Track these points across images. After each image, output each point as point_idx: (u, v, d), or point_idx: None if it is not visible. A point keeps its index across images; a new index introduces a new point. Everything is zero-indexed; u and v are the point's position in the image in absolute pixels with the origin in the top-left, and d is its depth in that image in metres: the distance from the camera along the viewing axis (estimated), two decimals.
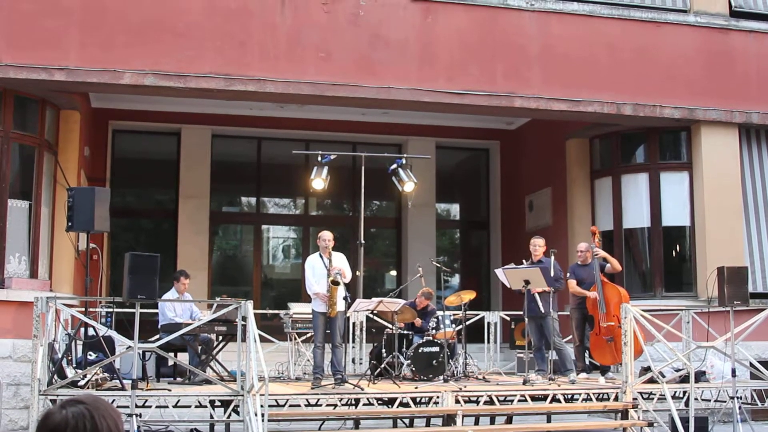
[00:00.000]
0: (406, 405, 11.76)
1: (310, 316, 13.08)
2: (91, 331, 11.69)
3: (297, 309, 14.75)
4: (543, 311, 13.63)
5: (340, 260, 12.86)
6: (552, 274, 13.48)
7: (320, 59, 14.64)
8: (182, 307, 13.59)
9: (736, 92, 16.49)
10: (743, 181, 16.47)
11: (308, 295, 12.95)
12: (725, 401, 12.97)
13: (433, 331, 14.25)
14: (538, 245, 13.98)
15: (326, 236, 12.93)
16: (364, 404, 11.68)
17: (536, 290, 13.45)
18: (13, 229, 14.04)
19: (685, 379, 12.69)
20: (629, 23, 16.20)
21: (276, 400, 11.39)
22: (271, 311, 18.02)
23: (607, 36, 16.08)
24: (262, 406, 10.38)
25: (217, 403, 11.17)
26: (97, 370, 11.05)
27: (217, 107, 18.51)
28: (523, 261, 13.92)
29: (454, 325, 14.53)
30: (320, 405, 11.81)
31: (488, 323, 16.65)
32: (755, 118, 16.43)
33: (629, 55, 16.12)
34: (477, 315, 16.47)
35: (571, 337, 14.75)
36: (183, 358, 13.05)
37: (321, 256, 12.86)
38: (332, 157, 14.79)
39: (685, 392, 12.77)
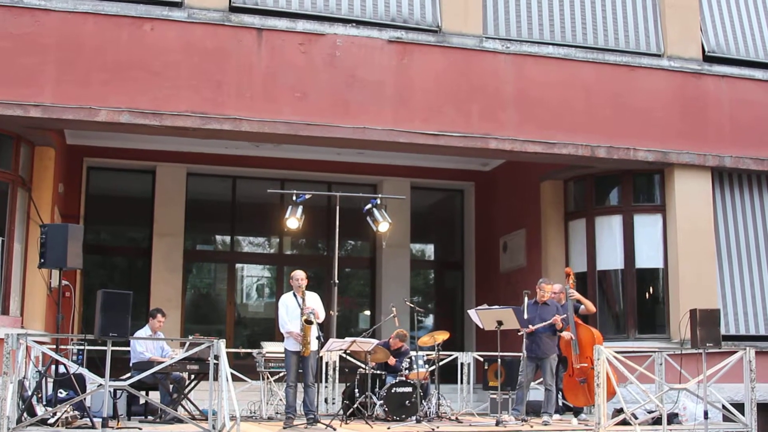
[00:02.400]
0: None
1: (283, 355, 13.03)
2: (62, 369, 11.61)
3: (270, 348, 14.70)
4: (549, 352, 13.69)
5: (313, 300, 12.83)
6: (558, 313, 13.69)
7: (296, 99, 14.68)
8: (153, 343, 13.52)
9: (709, 136, 16.63)
10: (716, 224, 16.59)
11: (281, 334, 12.90)
12: None
13: (406, 371, 14.21)
14: (546, 290, 14.01)
15: (299, 275, 12.89)
16: None
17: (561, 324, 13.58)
18: None
19: (657, 421, 12.68)
20: (604, 67, 16.34)
21: None
22: (244, 350, 17.95)
23: (581, 79, 16.21)
24: None
25: None
26: (67, 407, 10.97)
27: (192, 145, 18.50)
28: (525, 298, 13.88)
29: (427, 366, 14.50)
30: None
31: (461, 364, 16.63)
32: (728, 161, 16.57)
33: (603, 98, 16.25)
34: (450, 355, 16.44)
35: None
36: (154, 396, 12.97)
37: (295, 295, 12.83)
38: (307, 196, 14.80)
39: None
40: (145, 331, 13.72)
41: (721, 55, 17.11)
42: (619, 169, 16.91)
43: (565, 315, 13.81)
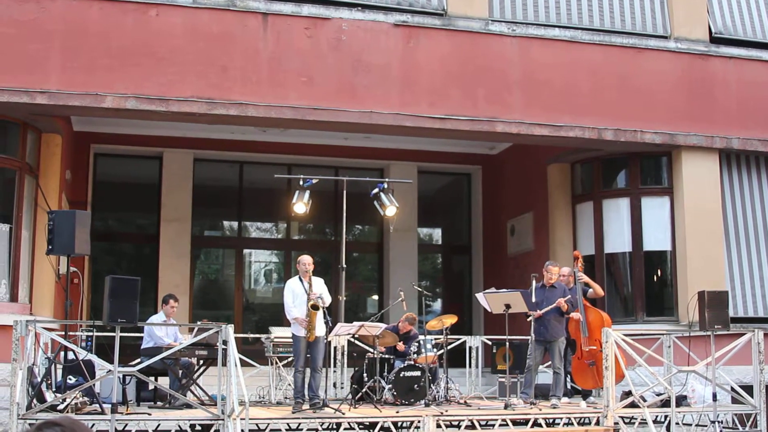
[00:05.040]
0: (388, 429, 11.72)
1: (291, 340, 13.04)
2: (71, 355, 11.63)
3: (278, 333, 14.71)
4: (557, 335, 13.68)
5: (319, 285, 12.83)
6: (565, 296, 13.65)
7: (302, 84, 14.66)
8: (166, 330, 13.55)
9: (716, 118, 16.58)
10: (724, 206, 16.55)
11: (289, 319, 12.91)
12: (706, 425, 12.99)
13: (415, 355, 14.20)
14: (553, 273, 13.97)
15: (306, 260, 12.89)
16: (345, 428, 11.64)
17: (567, 307, 13.58)
18: None
19: (666, 404, 12.70)
20: (610, 49, 16.29)
21: (257, 425, 11.37)
22: (252, 335, 17.96)
23: (588, 61, 16.16)
24: (242, 430, 10.34)
25: (198, 428, 11.14)
26: (76, 394, 10.98)
27: (199, 131, 18.51)
28: (533, 281, 13.86)
29: (435, 350, 14.50)
30: (301, 429, 11.79)
31: (470, 348, 16.62)
32: (735, 143, 16.53)
33: (610, 81, 16.20)
34: (458, 339, 16.42)
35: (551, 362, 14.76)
36: (163, 382, 12.99)
37: (301, 280, 12.83)
38: (314, 181, 14.76)
39: (666, 416, 12.78)
40: (159, 317, 13.75)
41: (728, 36, 17.04)
42: (627, 152, 16.88)
43: (569, 297, 13.78)
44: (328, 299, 12.87)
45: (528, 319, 13.73)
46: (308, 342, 12.53)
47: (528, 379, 13.88)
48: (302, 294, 12.65)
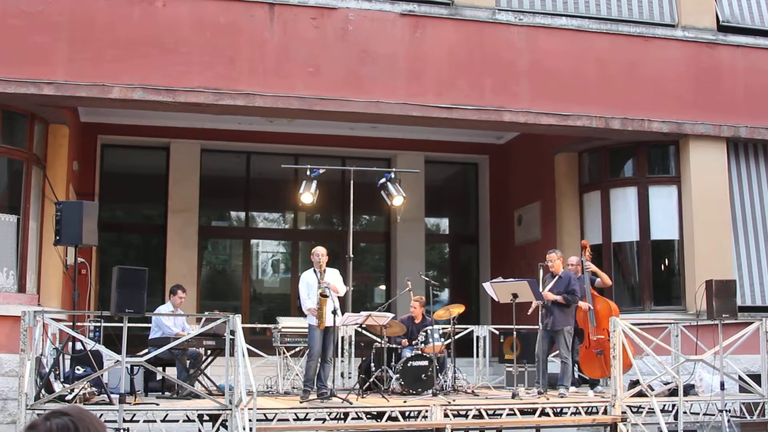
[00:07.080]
0: (395, 419, 11.74)
1: (298, 330, 13.08)
2: (78, 346, 11.65)
3: (286, 323, 14.72)
4: (560, 324, 13.67)
5: (333, 275, 12.84)
6: (570, 287, 13.61)
7: (309, 74, 14.64)
8: (174, 320, 13.58)
9: (724, 106, 16.53)
10: (731, 195, 16.52)
11: (297, 309, 12.92)
12: (714, 414, 12.99)
13: (422, 344, 14.21)
14: (553, 260, 13.94)
15: (319, 252, 12.89)
16: (352, 418, 11.66)
17: (551, 298, 13.53)
18: (1, 244, 14.00)
19: (674, 393, 12.69)
20: (617, 38, 16.25)
21: (264, 414, 11.38)
22: (259, 325, 17.99)
23: (595, 50, 16.12)
24: (250, 420, 10.37)
25: (206, 418, 11.14)
26: (84, 384, 11.00)
27: (206, 122, 18.51)
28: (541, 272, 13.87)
29: (443, 339, 14.49)
30: (309, 419, 11.80)
31: (477, 337, 16.61)
32: (743, 132, 16.48)
33: (617, 70, 16.16)
34: (466, 329, 16.40)
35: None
36: (171, 372, 13.01)
37: (315, 272, 12.83)
38: (321, 171, 14.76)
39: (674, 405, 12.77)
40: (167, 308, 13.79)
41: (736, 24, 16.98)
42: (634, 141, 16.84)
43: (561, 289, 13.72)
44: (342, 289, 12.90)
45: (528, 313, 13.76)
46: (323, 332, 12.54)
47: (539, 370, 13.86)
48: (315, 284, 12.67)
